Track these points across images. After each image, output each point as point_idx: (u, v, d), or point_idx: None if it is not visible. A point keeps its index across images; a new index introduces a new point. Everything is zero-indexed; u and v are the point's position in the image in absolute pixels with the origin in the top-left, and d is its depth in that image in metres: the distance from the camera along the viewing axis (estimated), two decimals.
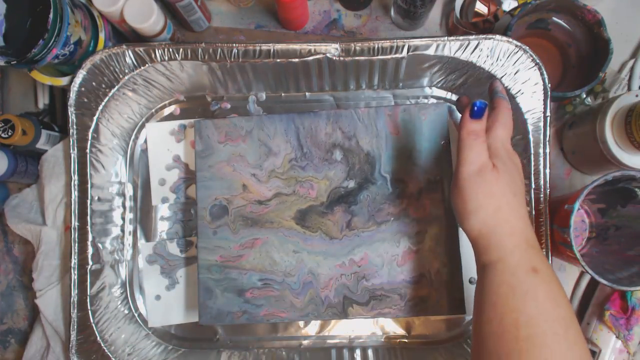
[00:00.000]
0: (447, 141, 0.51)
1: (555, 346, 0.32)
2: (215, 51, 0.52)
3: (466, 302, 0.51)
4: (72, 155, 0.53)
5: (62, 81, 0.53)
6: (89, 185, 0.53)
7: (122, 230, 0.56)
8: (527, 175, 0.52)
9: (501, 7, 0.55)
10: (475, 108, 0.37)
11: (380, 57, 0.51)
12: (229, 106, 0.57)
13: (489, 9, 0.55)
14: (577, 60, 0.57)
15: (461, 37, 0.51)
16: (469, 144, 0.38)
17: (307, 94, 0.57)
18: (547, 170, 0.51)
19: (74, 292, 0.52)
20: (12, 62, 0.45)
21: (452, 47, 0.51)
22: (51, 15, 0.44)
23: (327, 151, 0.52)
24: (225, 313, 0.51)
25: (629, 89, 0.57)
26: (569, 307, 0.35)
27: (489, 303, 0.35)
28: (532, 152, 0.52)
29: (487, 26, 0.56)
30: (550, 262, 0.51)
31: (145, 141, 0.57)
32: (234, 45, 0.51)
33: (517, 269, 0.35)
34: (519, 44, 0.50)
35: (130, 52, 0.52)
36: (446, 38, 0.51)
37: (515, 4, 0.55)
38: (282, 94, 0.57)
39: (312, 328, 0.56)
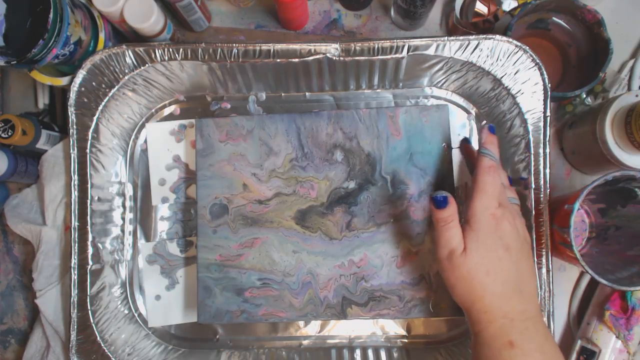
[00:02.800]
0: (448, 144, 0.51)
1: None
2: (215, 51, 0.52)
3: None
4: (72, 155, 0.53)
5: (62, 81, 0.53)
6: (89, 185, 0.53)
7: (122, 230, 0.56)
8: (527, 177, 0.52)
9: (501, 7, 0.55)
10: (436, 201, 0.39)
11: (380, 57, 0.51)
12: (229, 106, 0.57)
13: (489, 9, 0.55)
14: (577, 60, 0.56)
15: (461, 37, 0.51)
16: (438, 230, 0.40)
17: (307, 94, 0.57)
18: (547, 170, 0.51)
19: (74, 292, 0.52)
20: (12, 62, 0.45)
21: (452, 47, 0.51)
22: (51, 15, 0.44)
23: (328, 152, 0.52)
24: (224, 312, 0.51)
25: (629, 89, 0.57)
26: None
27: None
28: (532, 152, 0.52)
29: (487, 26, 0.56)
30: (550, 262, 0.51)
31: (145, 141, 0.57)
32: (234, 45, 0.51)
33: (492, 342, 0.37)
34: (519, 44, 0.50)
35: (130, 52, 0.52)
36: (446, 38, 0.51)
37: (515, 4, 0.55)
38: (282, 94, 0.57)
39: (312, 328, 0.56)
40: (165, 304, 0.55)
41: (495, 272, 0.38)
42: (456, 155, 0.54)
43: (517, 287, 0.38)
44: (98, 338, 0.52)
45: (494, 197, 0.39)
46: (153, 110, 0.57)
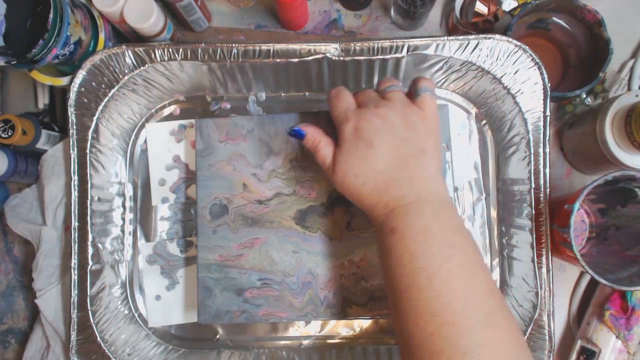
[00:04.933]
0: (448, 143, 0.51)
1: (404, 303, 0.34)
2: (215, 51, 0.52)
3: None
4: (72, 155, 0.53)
5: (62, 81, 0.53)
6: (89, 186, 0.53)
7: (122, 231, 0.56)
8: (527, 175, 0.52)
9: (501, 7, 0.55)
10: (294, 135, 0.42)
11: (380, 57, 0.51)
12: (228, 106, 0.57)
13: (489, 9, 0.55)
14: (577, 60, 0.56)
15: (461, 37, 0.51)
16: (314, 156, 0.42)
17: (307, 93, 0.57)
18: (547, 170, 0.51)
19: (74, 292, 0.52)
20: (12, 62, 0.45)
21: (451, 47, 0.51)
22: (51, 15, 0.44)
23: None
24: (224, 312, 0.51)
25: (629, 89, 0.57)
26: (431, 260, 0.34)
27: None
28: (532, 152, 0.52)
29: (487, 26, 0.56)
30: (550, 262, 0.51)
31: (145, 141, 0.57)
32: (234, 45, 0.51)
33: (381, 233, 0.38)
34: (518, 43, 0.50)
35: (130, 52, 0.52)
36: (446, 38, 0.51)
37: (515, 4, 0.55)
38: (282, 94, 0.57)
39: (313, 328, 0.56)
40: (165, 304, 0.55)
41: (364, 171, 0.38)
42: (456, 155, 0.54)
43: (393, 176, 0.37)
44: (98, 338, 0.52)
45: (344, 105, 0.40)
46: (153, 111, 0.57)
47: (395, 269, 0.35)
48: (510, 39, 0.50)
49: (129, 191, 0.57)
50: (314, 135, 0.41)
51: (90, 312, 0.52)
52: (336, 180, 0.39)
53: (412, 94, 0.41)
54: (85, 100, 0.53)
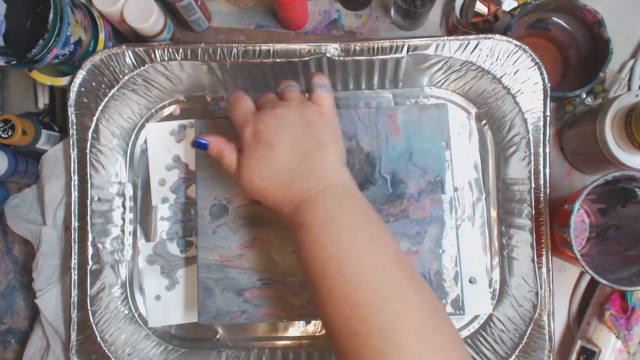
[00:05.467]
0: (448, 143, 0.51)
1: (320, 292, 0.35)
2: (215, 51, 0.52)
3: (466, 302, 0.51)
4: (72, 155, 0.53)
5: (62, 81, 0.53)
6: (89, 186, 0.53)
7: (122, 231, 0.56)
8: (527, 175, 0.52)
9: (501, 7, 0.55)
10: (198, 147, 0.42)
11: (380, 57, 0.51)
12: None
13: (489, 9, 0.55)
14: (577, 60, 0.56)
15: (461, 37, 0.51)
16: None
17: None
18: (547, 170, 0.51)
19: (74, 292, 0.52)
20: (12, 62, 0.45)
21: (451, 47, 0.51)
22: (51, 15, 0.44)
23: None
24: (224, 312, 0.51)
25: (629, 89, 0.57)
26: (338, 246, 0.35)
27: None
28: (532, 152, 0.52)
29: (487, 26, 0.56)
30: (550, 262, 0.51)
31: (145, 141, 0.57)
32: (234, 45, 0.51)
33: (292, 228, 0.38)
34: (518, 43, 0.50)
35: (130, 52, 0.52)
36: (446, 38, 0.51)
37: (515, 4, 0.55)
38: None
39: (313, 328, 0.56)
40: (165, 304, 0.55)
41: (267, 173, 0.38)
42: (456, 155, 0.54)
43: (295, 172, 0.38)
44: (98, 338, 0.52)
45: (242, 110, 0.40)
46: (153, 111, 0.57)
47: (308, 262, 0.36)
48: (510, 39, 0.50)
49: (129, 191, 0.57)
50: (217, 144, 0.41)
51: (90, 312, 0.52)
52: (244, 185, 0.40)
53: (309, 90, 0.42)
54: (85, 100, 0.53)
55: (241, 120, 0.40)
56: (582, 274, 0.56)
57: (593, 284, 0.56)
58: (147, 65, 0.52)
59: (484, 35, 0.51)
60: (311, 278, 0.35)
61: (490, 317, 0.53)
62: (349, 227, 0.35)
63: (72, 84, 0.52)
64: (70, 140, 0.53)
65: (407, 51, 0.51)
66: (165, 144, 0.56)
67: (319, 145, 0.39)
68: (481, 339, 0.53)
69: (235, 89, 0.44)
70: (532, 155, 0.52)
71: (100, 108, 0.53)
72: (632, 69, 0.57)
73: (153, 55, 0.52)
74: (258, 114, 0.40)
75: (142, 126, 0.57)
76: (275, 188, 0.38)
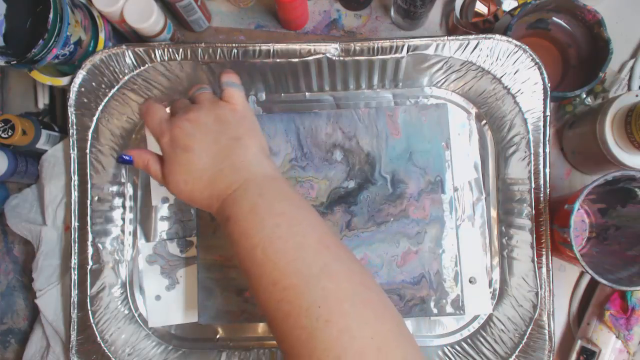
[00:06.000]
0: (448, 142, 0.51)
1: (253, 282, 0.35)
2: (215, 51, 0.52)
3: (466, 302, 0.51)
4: (72, 155, 0.53)
5: (62, 81, 0.53)
6: (89, 186, 0.53)
7: (122, 231, 0.56)
8: (527, 175, 0.52)
9: (501, 7, 0.55)
10: (123, 163, 0.42)
11: (380, 57, 0.51)
12: None
13: (489, 9, 0.55)
14: (577, 60, 0.56)
15: (461, 37, 0.51)
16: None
17: (306, 94, 0.57)
18: (547, 170, 0.51)
19: (74, 292, 0.52)
20: (12, 62, 0.45)
21: (451, 47, 0.51)
22: (51, 15, 0.44)
23: (328, 151, 0.52)
24: (224, 312, 0.51)
25: (629, 89, 0.57)
26: (262, 233, 0.35)
27: None
28: (532, 151, 0.52)
29: (487, 26, 0.56)
30: (550, 262, 0.51)
31: (145, 141, 0.57)
32: (234, 45, 0.51)
33: (221, 224, 0.38)
34: (518, 43, 0.50)
35: (130, 52, 0.52)
36: (446, 38, 0.51)
37: (515, 4, 0.55)
38: (282, 94, 0.57)
39: None
40: (165, 304, 0.55)
41: (189, 175, 0.39)
42: (456, 155, 0.54)
43: (216, 170, 0.38)
44: (98, 338, 0.52)
45: (156, 119, 0.41)
46: None
47: (239, 253, 0.36)
48: (510, 39, 0.50)
49: (129, 191, 0.57)
50: (141, 157, 0.42)
51: (90, 312, 0.52)
52: (172, 191, 0.40)
53: (220, 90, 0.43)
54: (85, 100, 0.53)
55: (157, 129, 0.41)
56: (582, 274, 0.56)
57: (593, 284, 0.56)
58: (147, 65, 0.52)
59: (484, 35, 0.51)
60: (243, 268, 0.36)
61: (490, 317, 0.53)
62: (272, 214, 0.36)
63: (72, 84, 0.52)
64: (70, 140, 0.53)
65: (407, 51, 0.51)
66: None
67: (235, 139, 0.39)
68: (481, 339, 0.53)
69: (148, 98, 0.43)
70: (532, 155, 0.52)
71: (100, 108, 0.53)
72: (632, 69, 0.57)
73: (153, 55, 0.52)
74: (172, 120, 0.40)
75: (142, 126, 0.57)
76: (200, 189, 0.39)
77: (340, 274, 0.33)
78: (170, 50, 0.52)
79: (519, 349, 0.51)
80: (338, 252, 0.35)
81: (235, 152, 0.39)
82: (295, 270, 0.33)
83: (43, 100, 0.60)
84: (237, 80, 0.43)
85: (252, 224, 0.36)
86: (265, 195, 0.37)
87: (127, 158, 0.42)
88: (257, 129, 0.42)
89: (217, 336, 0.56)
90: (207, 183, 0.39)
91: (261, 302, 0.34)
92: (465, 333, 0.54)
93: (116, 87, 0.53)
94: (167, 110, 0.42)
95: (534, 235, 0.51)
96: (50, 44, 0.46)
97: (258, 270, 0.34)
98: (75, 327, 0.52)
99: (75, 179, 0.53)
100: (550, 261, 0.51)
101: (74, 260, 0.52)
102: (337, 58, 0.51)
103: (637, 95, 0.49)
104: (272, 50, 0.51)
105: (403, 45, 0.51)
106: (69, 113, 0.53)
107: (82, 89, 0.53)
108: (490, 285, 0.54)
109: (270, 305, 0.33)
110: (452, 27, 0.58)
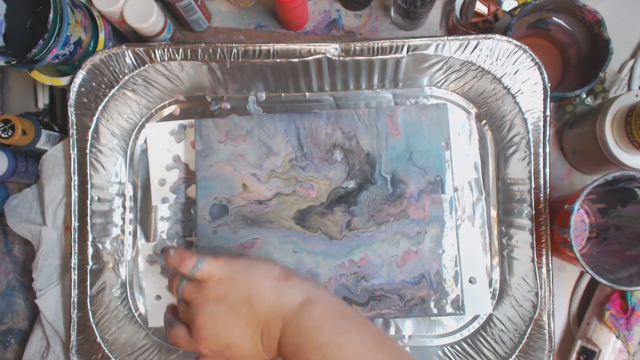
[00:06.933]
0: (448, 143, 0.51)
1: None
2: (215, 51, 0.52)
3: (466, 302, 0.51)
4: (72, 155, 0.53)
5: (62, 81, 0.53)
6: (89, 186, 0.53)
7: (122, 231, 0.56)
8: (527, 175, 0.52)
9: (501, 7, 0.55)
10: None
11: (380, 57, 0.51)
12: (228, 106, 0.57)
13: (489, 9, 0.55)
14: (577, 60, 0.56)
15: (461, 37, 0.51)
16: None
17: (307, 94, 0.57)
18: (547, 170, 0.51)
19: (74, 292, 0.52)
20: (12, 62, 0.45)
21: (451, 47, 0.51)
22: (51, 15, 0.44)
23: (328, 151, 0.52)
24: None
25: (629, 89, 0.57)
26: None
27: None
28: (532, 151, 0.52)
29: (487, 26, 0.56)
30: (550, 262, 0.51)
31: (145, 141, 0.57)
32: (234, 45, 0.51)
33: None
34: (518, 43, 0.50)
35: (130, 52, 0.52)
36: (446, 38, 0.51)
37: (515, 4, 0.55)
38: (282, 94, 0.57)
39: None
40: (165, 304, 0.55)
41: (243, 353, 0.38)
42: (456, 155, 0.54)
43: (257, 335, 0.38)
44: (98, 338, 0.52)
45: (181, 343, 0.39)
46: (153, 111, 0.57)
47: None
48: (510, 39, 0.50)
49: (129, 191, 0.57)
50: (176, 333, 0.40)
51: (90, 312, 0.52)
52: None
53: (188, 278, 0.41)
54: (85, 100, 0.53)
55: (189, 349, 0.39)
56: (582, 274, 0.56)
57: (593, 284, 0.56)
58: (147, 65, 0.52)
59: (484, 35, 0.51)
60: None
61: (490, 317, 0.53)
62: (314, 347, 0.35)
63: (72, 84, 0.52)
64: (70, 140, 0.53)
65: (407, 51, 0.51)
66: (165, 144, 0.56)
67: (247, 302, 0.38)
68: (481, 339, 0.53)
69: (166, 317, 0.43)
70: (532, 155, 0.52)
71: (100, 108, 0.53)
72: (632, 69, 0.57)
73: (153, 55, 0.52)
74: (194, 339, 0.38)
75: (142, 126, 0.57)
76: (244, 346, 0.38)
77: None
78: (170, 50, 0.52)
79: (519, 349, 0.51)
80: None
81: (260, 312, 0.37)
82: None
83: (43, 100, 0.60)
84: (194, 260, 0.39)
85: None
86: (302, 332, 0.36)
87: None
88: (251, 272, 0.39)
89: None
90: (255, 351, 0.38)
91: None
92: (465, 333, 0.54)
93: (116, 87, 0.53)
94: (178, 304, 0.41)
95: (534, 235, 0.51)
96: (50, 44, 0.46)
97: None
98: (75, 327, 0.52)
99: (75, 179, 0.53)
100: (550, 261, 0.51)
101: (74, 260, 0.52)
102: (337, 58, 0.51)
103: (637, 95, 0.49)
104: (272, 50, 0.51)
105: (403, 45, 0.51)
106: (69, 113, 0.53)
107: (82, 89, 0.53)
108: (490, 285, 0.54)
109: None
110: (452, 27, 0.59)
